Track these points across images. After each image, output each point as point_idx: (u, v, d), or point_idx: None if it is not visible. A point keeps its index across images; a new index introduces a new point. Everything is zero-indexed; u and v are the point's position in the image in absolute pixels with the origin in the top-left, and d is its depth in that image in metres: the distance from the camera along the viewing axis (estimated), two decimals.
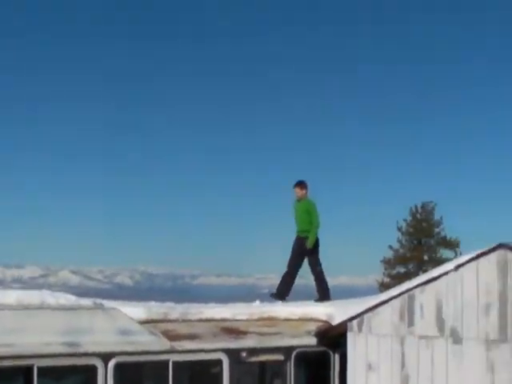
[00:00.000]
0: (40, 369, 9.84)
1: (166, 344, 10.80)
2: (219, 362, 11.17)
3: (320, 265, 14.51)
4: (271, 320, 12.53)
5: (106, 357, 10.26)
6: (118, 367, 10.34)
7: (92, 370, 10.22)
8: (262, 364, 11.57)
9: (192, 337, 11.19)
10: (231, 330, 11.78)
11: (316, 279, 14.42)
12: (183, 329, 11.42)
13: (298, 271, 14.62)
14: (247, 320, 12.36)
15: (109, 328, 10.42)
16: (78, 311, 10.45)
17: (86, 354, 10.16)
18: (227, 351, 11.20)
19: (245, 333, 11.73)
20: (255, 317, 12.52)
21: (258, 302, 13.89)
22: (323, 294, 14.15)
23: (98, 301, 11.51)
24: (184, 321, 11.83)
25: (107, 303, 11.40)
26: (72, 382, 10.87)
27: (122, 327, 10.52)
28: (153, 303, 12.68)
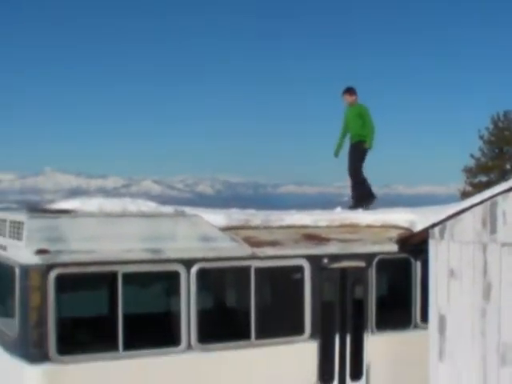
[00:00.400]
0: (124, 275, 10.04)
1: (247, 250, 10.89)
2: (301, 268, 11.24)
3: (362, 172, 14.51)
4: (353, 227, 12.51)
5: (188, 263, 10.41)
6: (201, 273, 10.49)
7: (175, 275, 10.39)
8: (344, 270, 11.59)
9: (273, 243, 11.25)
10: (313, 236, 11.79)
11: (355, 185, 14.43)
12: (264, 235, 11.48)
13: (363, 174, 14.60)
14: (328, 226, 12.36)
15: (191, 234, 10.53)
16: (160, 218, 10.58)
17: (168, 261, 10.32)
18: (309, 257, 11.25)
19: (326, 239, 11.73)
20: (336, 223, 12.51)
21: (339, 209, 13.88)
22: (360, 200, 14.12)
23: (180, 208, 11.63)
24: (265, 227, 11.88)
25: (189, 210, 11.51)
26: (155, 288, 11.10)
27: (204, 234, 10.63)
28: (234, 210, 12.76)
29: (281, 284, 11.65)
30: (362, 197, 14.21)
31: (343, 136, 14.92)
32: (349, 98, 14.76)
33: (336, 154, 14.98)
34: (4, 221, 10.79)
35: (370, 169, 14.59)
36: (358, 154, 14.50)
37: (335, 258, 11.45)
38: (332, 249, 11.50)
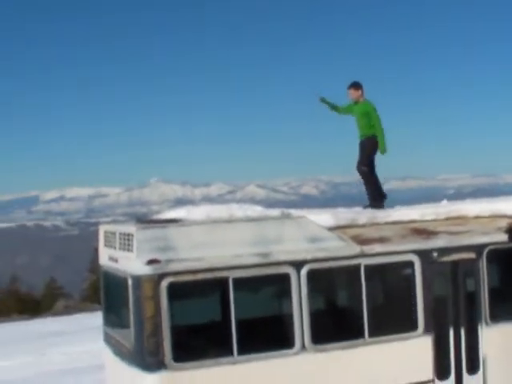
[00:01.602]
0: (235, 280, 10.12)
1: (356, 248, 10.83)
2: (411, 264, 11.12)
3: (373, 168, 13.78)
4: (460, 218, 12.30)
5: (298, 265, 10.42)
6: (311, 274, 10.48)
7: (285, 278, 10.41)
8: (454, 263, 11.42)
9: (382, 240, 11.16)
10: (420, 230, 11.64)
11: (364, 180, 13.79)
12: (372, 232, 11.39)
13: (374, 172, 13.91)
14: (436, 220, 12.20)
15: (298, 236, 10.53)
16: (267, 221, 10.59)
17: (278, 263, 10.34)
18: (418, 252, 11.13)
19: (435, 233, 11.57)
20: (443, 216, 12.33)
21: (445, 202, 13.65)
22: (373, 197, 13.57)
23: (286, 211, 11.64)
24: (372, 224, 11.81)
25: (295, 212, 11.51)
26: (266, 292, 11.13)
27: (312, 234, 10.61)
28: (340, 209, 12.71)
29: (391, 280, 11.56)
30: (374, 196, 13.61)
31: (340, 108, 14.13)
32: (354, 94, 13.81)
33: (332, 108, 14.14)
34: (114, 233, 11.02)
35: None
36: (367, 150, 13.71)
37: (445, 251, 11.29)
38: (441, 242, 11.34)
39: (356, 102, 13.79)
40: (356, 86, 13.78)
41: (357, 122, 13.81)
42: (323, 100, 13.98)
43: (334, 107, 14.06)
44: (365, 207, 13.26)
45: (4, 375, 20.83)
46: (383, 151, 13.55)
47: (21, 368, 21.80)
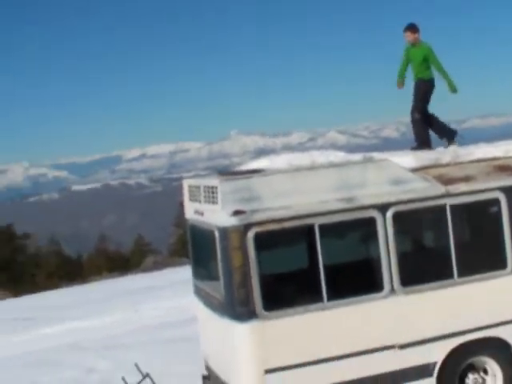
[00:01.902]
0: (321, 226, 10.13)
1: (440, 188, 10.72)
2: (496, 201, 10.95)
3: (427, 114, 13.46)
4: None
5: (383, 208, 10.37)
6: (396, 216, 10.43)
7: (370, 222, 10.38)
8: None
9: (466, 179, 11.00)
10: (505, 167, 11.42)
11: (413, 123, 13.50)
12: (456, 172, 11.24)
13: (431, 114, 13.64)
14: None
15: (382, 179, 10.45)
16: (350, 166, 10.53)
17: (363, 208, 10.30)
18: (504, 189, 10.93)
19: None
20: None
21: None
22: (419, 141, 13.27)
23: (368, 155, 11.57)
24: (455, 164, 11.66)
25: (377, 155, 11.43)
26: (352, 237, 11.12)
27: (395, 177, 10.52)
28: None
29: (477, 219, 11.41)
30: (423, 140, 13.31)
31: (403, 69, 13.74)
32: (410, 36, 13.39)
33: (401, 82, 13.77)
34: (198, 187, 11.12)
35: None
36: (421, 94, 13.44)
37: None
38: None
39: (413, 45, 13.49)
40: (413, 27, 13.46)
41: (414, 65, 13.52)
42: (401, 81, 13.81)
43: (402, 74, 13.77)
44: (411, 148, 13.03)
45: (102, 332, 21.38)
46: (454, 91, 13.33)
47: (116, 324, 22.34)
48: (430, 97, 13.58)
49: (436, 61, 13.28)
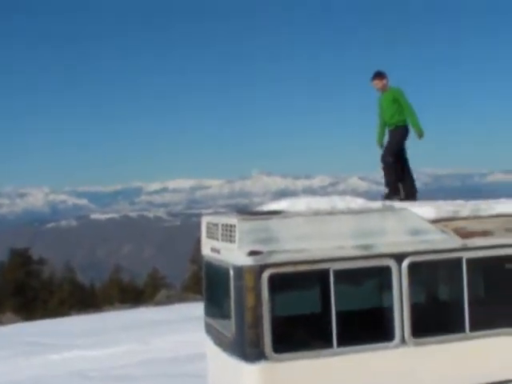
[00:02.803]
0: (336, 272, 10.12)
1: (458, 241, 10.71)
2: (511, 258, 10.94)
3: (403, 159, 13.15)
4: None
5: (399, 257, 10.36)
6: (412, 267, 10.40)
7: (386, 270, 10.36)
8: None
9: (484, 233, 10.99)
10: None
11: (385, 169, 13.11)
12: (475, 225, 11.22)
13: (406, 160, 13.31)
14: None
15: (400, 228, 10.46)
16: (369, 213, 10.54)
17: (379, 256, 10.29)
18: None
19: None
20: None
21: None
22: (393, 189, 12.95)
23: (387, 203, 11.59)
24: (475, 217, 11.64)
25: (396, 204, 11.45)
26: (366, 284, 11.12)
27: (413, 227, 10.52)
28: (442, 202, 12.58)
29: (493, 274, 11.37)
30: (393, 188, 13.01)
31: (380, 124, 13.51)
32: (379, 84, 13.26)
33: (380, 143, 13.53)
34: (216, 225, 11.16)
35: None
36: (394, 139, 13.12)
37: None
38: None
39: (383, 92, 13.31)
40: (380, 75, 13.30)
41: (385, 111, 13.28)
42: (380, 142, 13.57)
43: (380, 136, 13.58)
44: (383, 197, 12.83)
45: (110, 362, 21.35)
46: (420, 135, 12.99)
47: (125, 355, 22.31)
48: (404, 142, 13.33)
49: (406, 103, 13.04)
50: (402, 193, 13.11)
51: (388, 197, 12.83)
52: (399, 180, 13.25)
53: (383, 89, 13.29)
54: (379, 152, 13.23)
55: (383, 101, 13.26)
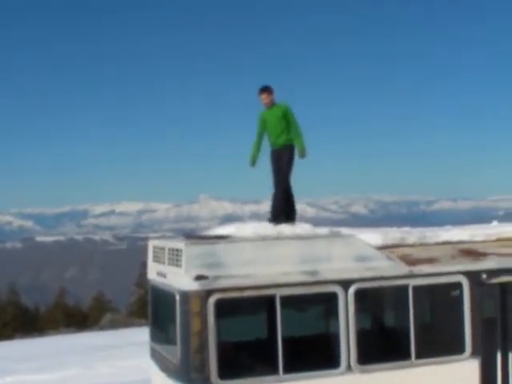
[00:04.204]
0: (282, 298, 10.08)
1: (404, 268, 10.75)
2: (459, 285, 11.01)
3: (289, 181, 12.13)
4: (510, 240, 12.15)
5: (345, 283, 10.36)
6: (358, 293, 10.42)
7: (332, 297, 10.36)
8: (503, 285, 11.26)
9: (430, 260, 11.07)
10: (470, 251, 11.52)
11: (280, 193, 11.98)
12: (421, 253, 11.31)
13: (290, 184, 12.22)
14: (485, 241, 12.07)
15: (347, 255, 10.47)
16: (316, 239, 10.56)
17: (325, 282, 10.29)
18: (467, 273, 11.00)
19: (484, 254, 11.43)
20: (493, 237, 12.20)
21: (495, 223, 13.49)
22: (291, 212, 12.00)
23: (335, 229, 11.60)
24: (421, 245, 11.73)
25: (344, 230, 11.47)
26: (313, 310, 11.11)
27: (360, 253, 10.55)
28: (389, 229, 12.65)
29: (439, 302, 11.45)
30: (287, 211, 11.99)
31: (259, 142, 12.37)
32: (267, 98, 12.14)
33: (253, 163, 12.39)
34: (162, 249, 11.08)
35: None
36: (286, 159, 12.07)
37: (494, 273, 11.14)
38: (490, 264, 11.19)
39: (270, 107, 12.25)
40: (268, 89, 12.26)
41: (272, 128, 12.20)
42: (254, 162, 12.48)
43: (255, 154, 12.44)
44: (269, 220, 11.82)
45: None
46: (303, 154, 12.09)
47: (70, 380, 21.96)
48: (293, 163, 12.26)
49: (295, 121, 12.16)
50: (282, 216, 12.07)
51: (275, 220, 11.73)
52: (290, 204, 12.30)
53: (271, 104, 12.24)
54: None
55: (270, 117, 12.21)
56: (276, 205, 11.97)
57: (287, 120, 12.09)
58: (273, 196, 12.09)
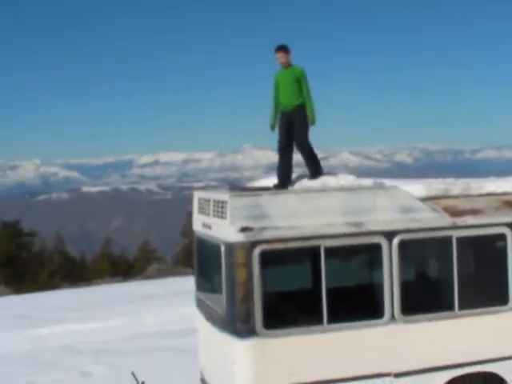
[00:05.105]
0: (326, 249, 10.16)
1: (448, 220, 10.75)
2: (503, 236, 10.99)
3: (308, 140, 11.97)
4: None
5: (389, 235, 10.40)
6: (402, 245, 10.46)
7: (376, 248, 10.41)
8: None
9: (474, 212, 11.04)
10: None
11: (305, 155, 11.90)
12: (465, 204, 11.27)
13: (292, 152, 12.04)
14: None
15: (391, 206, 10.49)
16: (360, 191, 10.58)
17: (370, 233, 10.33)
18: (510, 225, 10.98)
19: None
20: None
21: None
22: (315, 170, 11.79)
23: (379, 180, 11.61)
24: (465, 196, 11.69)
25: (387, 182, 11.47)
26: (357, 261, 11.16)
27: (404, 205, 10.56)
28: (433, 180, 12.61)
29: (483, 253, 11.43)
30: (316, 166, 11.90)
31: (277, 106, 12.13)
32: (283, 58, 11.87)
33: (273, 128, 12.15)
34: (207, 200, 11.17)
35: None
36: (300, 119, 11.86)
37: None
38: None
39: (285, 67, 12.00)
40: (285, 48, 11.96)
41: (284, 89, 11.98)
42: (273, 126, 12.22)
43: (274, 119, 12.18)
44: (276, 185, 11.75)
45: (100, 336, 21.37)
46: (312, 122, 11.94)
47: (116, 329, 22.31)
48: (308, 125, 12.04)
49: (307, 86, 11.93)
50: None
51: (315, 177, 11.74)
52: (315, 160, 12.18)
53: (286, 64, 11.99)
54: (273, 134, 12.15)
55: (283, 77, 12.00)
56: (312, 163, 11.86)
57: (300, 83, 11.86)
58: (279, 161, 11.94)
